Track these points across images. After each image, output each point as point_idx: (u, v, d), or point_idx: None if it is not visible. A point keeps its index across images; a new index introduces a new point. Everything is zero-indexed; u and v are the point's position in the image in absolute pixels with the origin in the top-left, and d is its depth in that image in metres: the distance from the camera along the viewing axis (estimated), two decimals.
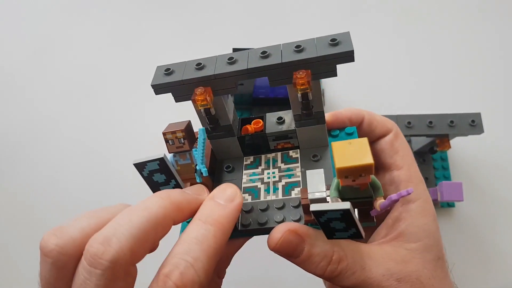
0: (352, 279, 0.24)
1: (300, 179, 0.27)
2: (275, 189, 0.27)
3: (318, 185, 0.23)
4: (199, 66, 0.24)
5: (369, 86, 0.55)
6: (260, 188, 0.27)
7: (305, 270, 0.24)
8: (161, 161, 0.23)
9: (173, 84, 0.24)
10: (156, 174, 0.24)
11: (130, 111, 0.54)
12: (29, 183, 0.50)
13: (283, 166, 0.28)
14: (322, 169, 0.24)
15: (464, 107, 0.51)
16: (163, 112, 0.54)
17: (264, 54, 0.23)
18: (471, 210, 0.48)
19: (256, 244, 0.31)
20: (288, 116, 0.28)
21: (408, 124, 0.42)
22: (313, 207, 0.20)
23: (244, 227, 0.25)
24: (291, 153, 0.29)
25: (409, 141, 0.50)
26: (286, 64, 0.22)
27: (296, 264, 0.24)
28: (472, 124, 0.42)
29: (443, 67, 0.57)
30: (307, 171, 0.24)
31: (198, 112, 0.26)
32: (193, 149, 0.26)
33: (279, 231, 0.24)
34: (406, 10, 0.62)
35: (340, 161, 0.20)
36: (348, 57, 0.22)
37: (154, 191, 0.24)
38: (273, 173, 0.28)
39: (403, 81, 0.56)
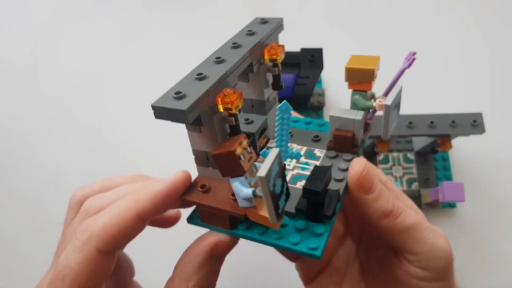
0: (412, 217, 0.25)
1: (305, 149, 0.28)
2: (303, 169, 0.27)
3: (356, 111, 0.26)
4: (200, 75, 0.21)
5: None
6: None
7: (373, 211, 0.24)
8: (279, 154, 0.19)
9: (202, 97, 0.20)
10: (277, 181, 0.19)
11: (132, 109, 0.54)
12: (31, 182, 0.50)
13: None
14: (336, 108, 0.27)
15: (465, 107, 0.50)
16: None
17: (235, 44, 0.24)
18: (472, 210, 0.48)
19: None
20: (250, 116, 0.29)
21: (410, 124, 0.42)
22: (388, 100, 0.24)
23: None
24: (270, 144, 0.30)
25: (410, 141, 0.50)
26: (261, 44, 0.25)
27: (365, 204, 0.24)
28: (473, 124, 0.42)
29: (444, 67, 0.57)
30: (334, 112, 0.26)
31: (222, 124, 0.22)
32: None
33: (361, 163, 0.24)
34: (408, 9, 0.61)
35: (369, 65, 0.25)
36: (281, 25, 0.27)
37: (274, 214, 0.19)
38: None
39: (404, 81, 0.56)
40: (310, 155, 0.28)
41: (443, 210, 0.48)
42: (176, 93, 0.20)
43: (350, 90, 0.27)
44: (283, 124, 0.20)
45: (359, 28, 0.60)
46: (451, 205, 0.48)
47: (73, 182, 0.50)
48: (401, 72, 0.26)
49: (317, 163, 0.27)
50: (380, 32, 0.59)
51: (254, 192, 0.20)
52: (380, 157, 0.50)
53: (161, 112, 0.19)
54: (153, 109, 0.19)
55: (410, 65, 0.25)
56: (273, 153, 0.18)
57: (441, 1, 0.62)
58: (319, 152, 0.28)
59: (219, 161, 0.20)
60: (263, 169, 0.18)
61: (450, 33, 0.60)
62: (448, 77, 0.56)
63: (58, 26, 0.60)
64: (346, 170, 0.25)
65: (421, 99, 0.55)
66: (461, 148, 0.51)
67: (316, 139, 0.29)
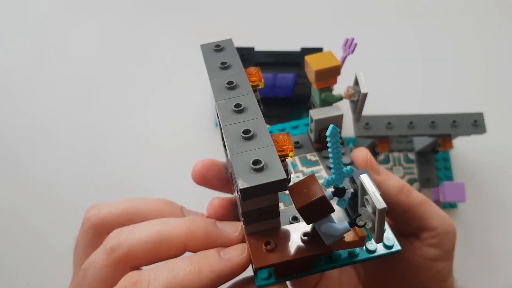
0: (420, 193, 0.27)
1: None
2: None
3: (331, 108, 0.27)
4: (249, 134, 0.20)
5: (371, 85, 0.54)
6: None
7: (390, 189, 0.26)
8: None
9: None
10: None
11: (129, 114, 0.54)
12: (23, 189, 0.49)
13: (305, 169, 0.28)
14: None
15: (466, 107, 0.50)
16: (163, 114, 0.54)
17: (224, 65, 0.23)
18: (473, 210, 0.48)
19: None
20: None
21: (410, 124, 0.42)
22: (363, 88, 0.25)
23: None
24: None
25: (411, 141, 0.50)
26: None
27: (381, 185, 0.25)
28: (474, 124, 0.42)
29: (445, 67, 0.57)
30: (317, 115, 0.27)
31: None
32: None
33: (363, 150, 0.26)
34: (409, 9, 0.61)
35: (334, 62, 0.25)
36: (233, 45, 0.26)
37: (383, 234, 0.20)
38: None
39: (405, 81, 0.56)
40: (305, 162, 0.28)
41: (444, 210, 0.48)
42: (254, 164, 0.18)
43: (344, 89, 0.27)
44: (336, 148, 0.20)
45: (360, 28, 0.59)
46: (452, 205, 0.48)
47: (71, 186, 0.50)
48: (344, 59, 0.27)
49: (319, 167, 0.27)
50: (381, 31, 0.59)
51: (352, 224, 0.20)
52: (381, 157, 0.49)
53: (253, 191, 0.18)
54: (242, 192, 0.17)
55: (353, 51, 0.26)
56: (369, 181, 0.19)
57: (443, 0, 0.62)
58: (311, 156, 0.28)
59: (308, 210, 0.19)
60: (379, 201, 0.18)
61: (451, 32, 0.59)
62: (448, 77, 0.56)
63: (58, 27, 0.60)
64: (350, 163, 0.26)
65: (421, 99, 0.55)
66: (462, 148, 0.51)
67: (297, 145, 0.29)
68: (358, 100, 0.26)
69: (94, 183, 0.49)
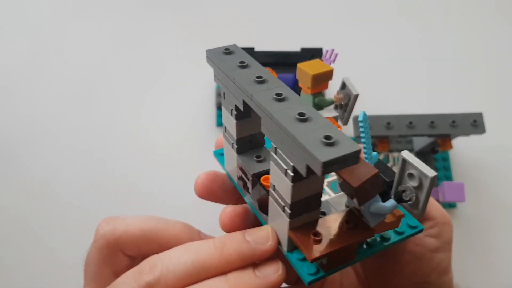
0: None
1: None
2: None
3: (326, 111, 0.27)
4: (303, 116, 0.20)
5: (371, 86, 0.55)
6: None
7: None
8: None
9: None
10: None
11: (129, 114, 0.54)
12: (23, 189, 0.49)
13: None
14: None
15: (466, 107, 0.50)
16: (163, 114, 0.54)
17: (243, 64, 0.23)
18: (472, 210, 0.48)
19: None
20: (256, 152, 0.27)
21: (410, 124, 0.42)
22: (354, 90, 0.25)
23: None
24: None
25: (411, 141, 0.50)
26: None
27: None
28: (474, 124, 0.42)
29: (445, 67, 0.57)
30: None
31: None
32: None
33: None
34: (409, 9, 0.61)
35: (326, 67, 0.25)
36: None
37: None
38: None
39: (405, 81, 0.56)
40: None
41: None
42: (326, 138, 0.18)
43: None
44: (367, 133, 0.21)
45: (360, 27, 0.59)
46: (452, 205, 0.48)
47: (71, 186, 0.50)
48: None
49: None
50: (381, 31, 0.59)
51: (400, 200, 0.20)
52: (380, 157, 0.50)
53: (332, 164, 0.17)
54: (324, 165, 0.17)
55: (334, 60, 0.27)
56: (411, 155, 0.20)
57: (443, 0, 0.62)
58: None
59: (364, 189, 0.19)
60: (429, 169, 0.19)
61: (451, 32, 0.60)
62: (448, 77, 0.56)
63: (57, 28, 0.60)
64: None
65: (421, 98, 0.55)
66: (462, 148, 0.51)
67: None
68: (347, 103, 0.26)
69: (94, 183, 0.49)
